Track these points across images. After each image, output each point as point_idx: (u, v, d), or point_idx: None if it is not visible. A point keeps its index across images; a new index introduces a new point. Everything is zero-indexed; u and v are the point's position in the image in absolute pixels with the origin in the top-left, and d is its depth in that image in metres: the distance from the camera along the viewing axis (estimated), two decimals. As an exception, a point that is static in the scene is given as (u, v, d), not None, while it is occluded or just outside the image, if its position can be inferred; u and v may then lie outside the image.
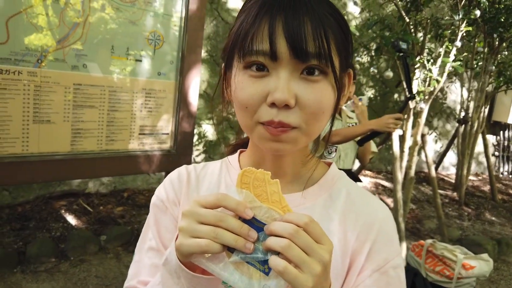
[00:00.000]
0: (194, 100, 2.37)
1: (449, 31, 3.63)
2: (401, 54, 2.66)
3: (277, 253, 0.51)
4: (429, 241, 2.84)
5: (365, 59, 5.70)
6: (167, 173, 2.46)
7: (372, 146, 2.90)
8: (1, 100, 1.70)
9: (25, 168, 1.80)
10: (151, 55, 2.17)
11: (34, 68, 1.78)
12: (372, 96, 6.08)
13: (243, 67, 0.62)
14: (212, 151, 4.85)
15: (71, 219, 3.46)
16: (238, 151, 0.81)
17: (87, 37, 1.92)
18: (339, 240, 0.68)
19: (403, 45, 2.59)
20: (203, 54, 4.46)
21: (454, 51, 3.52)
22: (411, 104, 3.67)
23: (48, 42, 1.81)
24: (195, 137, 4.63)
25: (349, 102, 2.92)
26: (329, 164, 0.78)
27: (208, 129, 4.75)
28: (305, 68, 0.60)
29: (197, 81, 2.36)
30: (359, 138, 2.56)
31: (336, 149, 2.67)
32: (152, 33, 2.15)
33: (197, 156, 4.70)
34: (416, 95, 3.46)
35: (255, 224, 0.53)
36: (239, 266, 0.52)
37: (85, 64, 1.94)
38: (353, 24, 5.24)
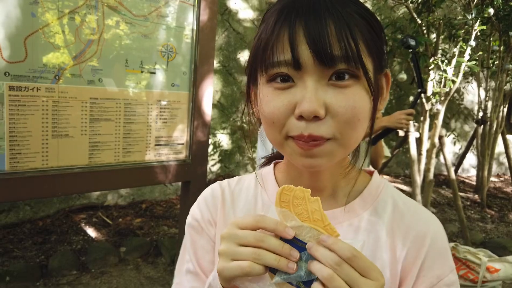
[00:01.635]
0: (208, 109, 2.39)
1: (463, 31, 3.59)
2: (410, 50, 2.65)
3: None
4: (451, 244, 2.77)
5: (378, 62, 5.66)
6: (184, 183, 2.47)
7: (385, 150, 2.87)
8: (21, 116, 1.75)
9: (45, 181, 1.84)
10: (164, 67, 2.21)
11: (52, 84, 1.83)
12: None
13: (267, 80, 0.58)
14: (228, 160, 4.87)
15: (91, 232, 3.51)
16: (273, 163, 0.77)
17: (102, 52, 1.97)
18: (389, 258, 0.64)
19: (412, 42, 2.58)
20: (216, 64, 4.51)
21: (468, 51, 3.48)
22: (427, 106, 3.62)
23: (65, 59, 1.86)
24: (211, 147, 4.66)
25: None
26: (370, 173, 0.72)
27: (223, 139, 4.78)
28: (333, 73, 0.55)
29: (210, 91, 2.39)
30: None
31: None
32: (165, 45, 2.18)
33: (212, 165, 4.73)
34: (428, 91, 3.41)
35: (297, 244, 0.51)
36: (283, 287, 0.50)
37: (100, 79, 1.98)
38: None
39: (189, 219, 0.75)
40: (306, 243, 0.51)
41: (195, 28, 2.28)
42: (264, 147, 2.36)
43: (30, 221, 3.48)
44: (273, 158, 0.79)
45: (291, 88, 0.56)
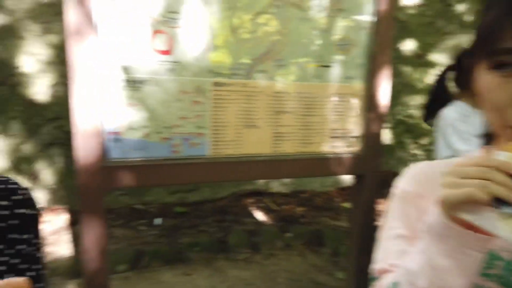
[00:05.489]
0: (384, 101, 2.33)
1: None
2: None
3: None
4: None
5: None
6: (357, 176, 2.45)
7: None
8: (221, 108, 2.01)
9: (238, 167, 2.07)
10: (340, 60, 2.22)
11: (245, 80, 2.03)
12: None
13: (490, 67, 0.60)
14: (389, 156, 4.67)
15: (259, 216, 3.82)
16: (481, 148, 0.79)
17: (285, 48, 2.10)
18: None
19: None
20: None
21: None
22: None
23: (253, 56, 2.04)
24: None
25: None
26: None
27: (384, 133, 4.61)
28: None
29: (387, 82, 2.31)
30: None
31: None
32: (341, 38, 2.20)
33: (373, 160, 4.61)
34: None
35: None
36: (509, 221, 0.51)
37: (282, 74, 2.11)
38: None
39: (397, 191, 0.83)
40: None
41: (372, 18, 2.23)
42: (447, 148, 2.19)
43: (210, 201, 3.98)
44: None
45: None
